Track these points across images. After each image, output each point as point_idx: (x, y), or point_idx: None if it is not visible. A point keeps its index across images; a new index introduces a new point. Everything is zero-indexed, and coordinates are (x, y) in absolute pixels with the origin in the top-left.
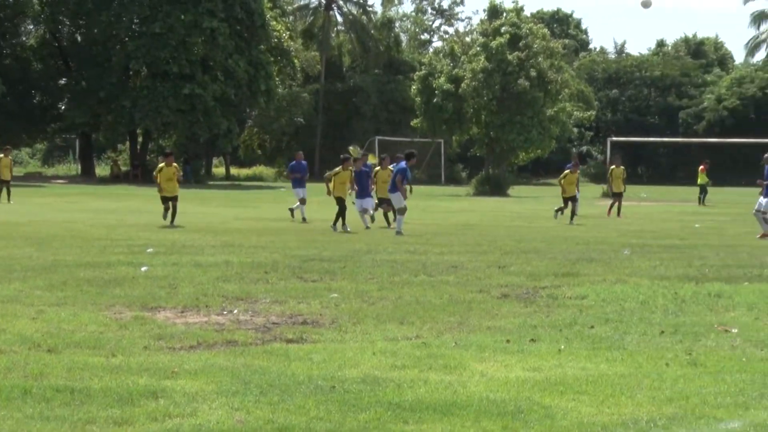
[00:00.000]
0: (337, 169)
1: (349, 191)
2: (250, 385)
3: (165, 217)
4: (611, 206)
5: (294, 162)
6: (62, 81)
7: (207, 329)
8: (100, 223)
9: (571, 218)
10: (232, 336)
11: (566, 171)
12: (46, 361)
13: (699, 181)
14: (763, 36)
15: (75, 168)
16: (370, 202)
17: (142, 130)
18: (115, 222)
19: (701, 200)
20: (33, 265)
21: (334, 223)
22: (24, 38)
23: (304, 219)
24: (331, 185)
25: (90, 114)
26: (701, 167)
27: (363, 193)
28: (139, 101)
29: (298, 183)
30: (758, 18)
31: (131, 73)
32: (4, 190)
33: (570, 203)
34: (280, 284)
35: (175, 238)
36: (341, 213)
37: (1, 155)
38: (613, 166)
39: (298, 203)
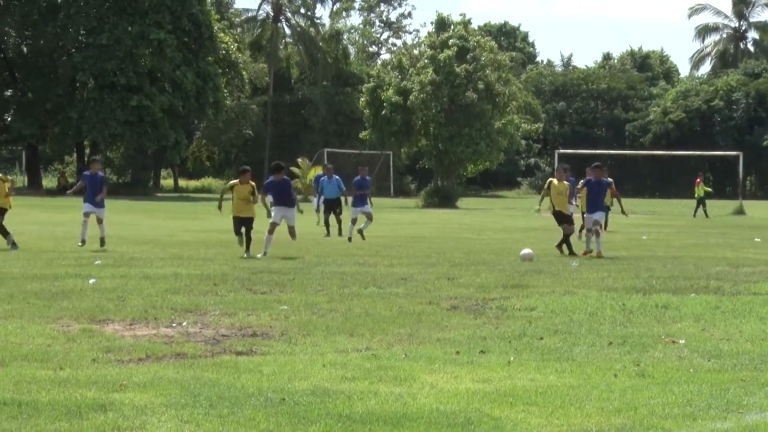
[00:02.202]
0: (233, 181)
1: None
2: (199, 397)
3: (8, 240)
4: (604, 223)
5: (358, 178)
6: (8, 92)
7: (156, 342)
8: (47, 235)
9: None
10: (182, 348)
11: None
12: None
13: (696, 194)
14: (708, 49)
15: (22, 180)
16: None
17: (89, 142)
18: (63, 234)
19: (703, 213)
20: None
21: (247, 249)
22: None
23: (359, 234)
24: (220, 202)
25: (36, 125)
26: (698, 180)
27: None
28: (86, 113)
29: (360, 201)
30: (702, 32)
31: (78, 84)
32: None
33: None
34: (230, 296)
35: (124, 251)
36: (249, 237)
37: None
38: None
39: (358, 220)
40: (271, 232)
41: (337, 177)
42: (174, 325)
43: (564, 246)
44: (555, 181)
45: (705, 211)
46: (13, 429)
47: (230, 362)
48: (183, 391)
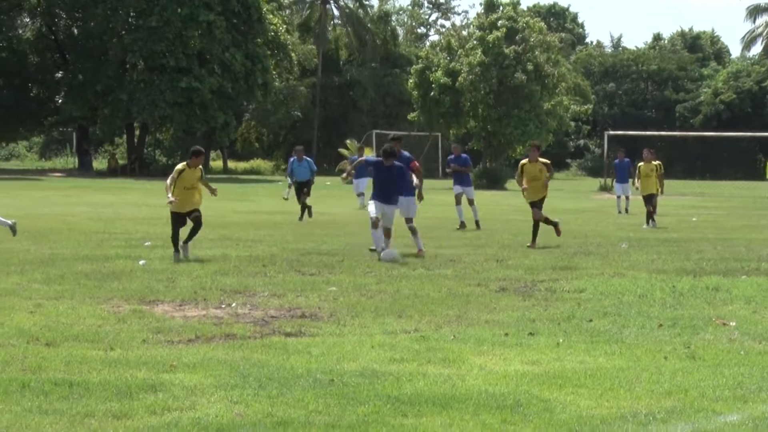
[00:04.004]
0: (181, 165)
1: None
2: (248, 378)
3: None
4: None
5: (452, 156)
6: (59, 74)
7: (205, 323)
8: (97, 216)
9: (651, 220)
10: (231, 329)
11: (640, 164)
12: (44, 354)
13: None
14: (759, 30)
15: (72, 161)
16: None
17: (139, 124)
18: (113, 215)
19: None
20: (31, 259)
21: (178, 246)
22: (20, 31)
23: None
24: (171, 190)
25: (87, 107)
26: None
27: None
28: (136, 94)
29: (459, 179)
30: (754, 12)
31: (128, 66)
32: None
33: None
34: (279, 278)
35: None
36: (175, 233)
37: None
38: (641, 163)
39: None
40: (375, 225)
41: (308, 159)
42: (223, 306)
43: (548, 226)
44: (527, 163)
45: None
46: (65, 409)
47: (279, 343)
48: (232, 372)
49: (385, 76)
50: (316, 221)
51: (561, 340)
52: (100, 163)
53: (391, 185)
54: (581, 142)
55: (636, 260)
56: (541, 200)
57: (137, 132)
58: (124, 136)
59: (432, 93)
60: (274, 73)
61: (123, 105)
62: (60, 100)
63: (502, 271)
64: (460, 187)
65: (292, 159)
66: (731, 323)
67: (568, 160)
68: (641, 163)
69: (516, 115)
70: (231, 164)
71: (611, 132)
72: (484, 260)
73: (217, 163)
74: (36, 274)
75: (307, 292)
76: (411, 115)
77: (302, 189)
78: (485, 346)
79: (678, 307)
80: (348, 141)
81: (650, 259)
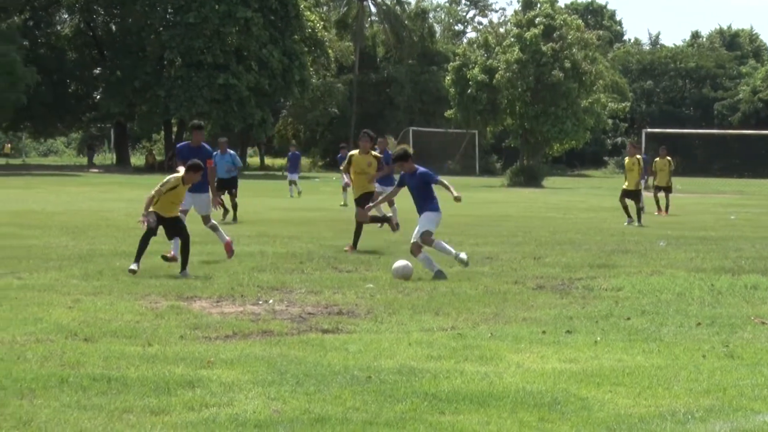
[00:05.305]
0: (177, 176)
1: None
2: (286, 375)
3: None
4: (657, 204)
5: (339, 155)
6: (97, 70)
7: (243, 319)
8: (135, 212)
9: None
10: (268, 326)
11: (625, 158)
12: (82, 350)
13: None
14: None
15: (110, 157)
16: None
17: (176, 120)
18: None
19: None
20: (69, 255)
21: (141, 257)
22: (59, 27)
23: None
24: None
25: (125, 103)
26: None
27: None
28: (173, 91)
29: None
30: None
31: (166, 62)
32: None
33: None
34: (315, 274)
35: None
36: (145, 240)
37: None
38: (626, 157)
39: None
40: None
41: (231, 152)
42: (260, 302)
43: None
44: (357, 153)
45: None
46: (103, 404)
47: (316, 340)
48: (270, 368)
49: (422, 74)
50: (349, 218)
51: (599, 338)
52: (137, 159)
53: (425, 192)
54: (619, 139)
55: (674, 258)
56: (367, 196)
57: (175, 128)
58: (162, 133)
59: (469, 90)
60: (311, 69)
61: (161, 101)
62: (98, 97)
63: (539, 268)
64: (380, 186)
65: (215, 152)
66: None
67: (606, 158)
68: (626, 157)
69: (553, 113)
70: (268, 161)
71: (649, 130)
72: (521, 258)
73: (254, 160)
74: (74, 269)
75: (344, 289)
76: (448, 113)
77: (226, 188)
78: (522, 343)
79: (716, 305)
80: (385, 138)
81: (688, 257)
